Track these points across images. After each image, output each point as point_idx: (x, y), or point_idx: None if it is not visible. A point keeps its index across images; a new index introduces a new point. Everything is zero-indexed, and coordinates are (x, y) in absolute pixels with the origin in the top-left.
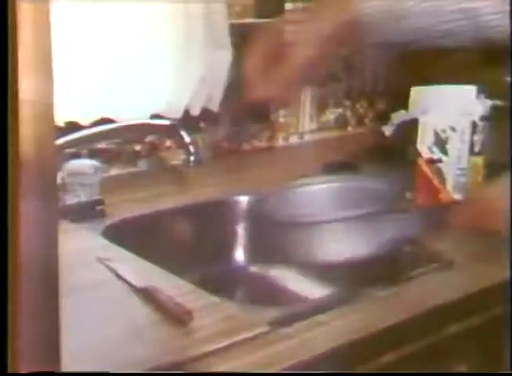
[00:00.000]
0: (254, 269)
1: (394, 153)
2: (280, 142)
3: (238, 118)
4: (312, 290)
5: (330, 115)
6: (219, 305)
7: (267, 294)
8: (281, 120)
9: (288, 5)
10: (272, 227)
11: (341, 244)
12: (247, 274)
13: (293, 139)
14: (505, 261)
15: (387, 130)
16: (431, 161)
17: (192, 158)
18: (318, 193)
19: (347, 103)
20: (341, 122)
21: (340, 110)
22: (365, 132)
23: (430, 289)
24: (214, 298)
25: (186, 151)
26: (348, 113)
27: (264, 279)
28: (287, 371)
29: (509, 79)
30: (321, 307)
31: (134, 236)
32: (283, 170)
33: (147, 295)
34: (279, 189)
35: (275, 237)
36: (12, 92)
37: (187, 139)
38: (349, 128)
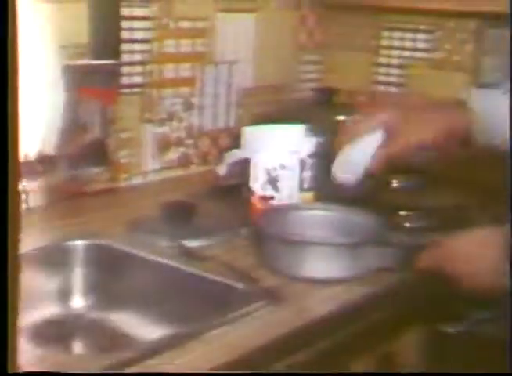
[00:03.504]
0: (93, 315)
1: (229, 192)
2: (123, 183)
3: (76, 161)
4: (150, 332)
5: (173, 154)
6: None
7: (105, 341)
8: (122, 161)
9: (125, 46)
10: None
11: (326, 265)
12: (86, 321)
13: (137, 180)
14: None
15: (221, 170)
16: (264, 199)
17: (23, 206)
18: (311, 218)
19: (190, 141)
20: (184, 161)
21: (182, 149)
22: (209, 171)
23: (258, 326)
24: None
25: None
26: (191, 152)
27: (103, 325)
28: None
29: (336, 118)
30: (153, 350)
31: None
32: (124, 211)
33: None
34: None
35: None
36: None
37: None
38: (193, 167)
